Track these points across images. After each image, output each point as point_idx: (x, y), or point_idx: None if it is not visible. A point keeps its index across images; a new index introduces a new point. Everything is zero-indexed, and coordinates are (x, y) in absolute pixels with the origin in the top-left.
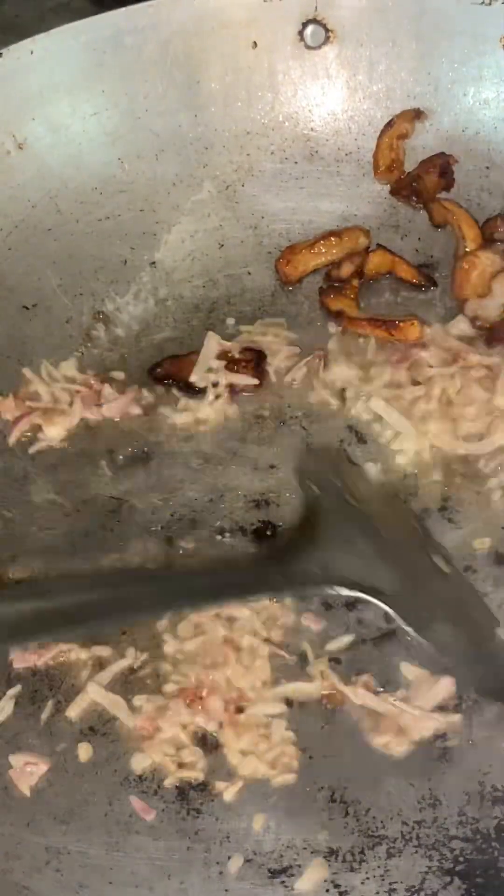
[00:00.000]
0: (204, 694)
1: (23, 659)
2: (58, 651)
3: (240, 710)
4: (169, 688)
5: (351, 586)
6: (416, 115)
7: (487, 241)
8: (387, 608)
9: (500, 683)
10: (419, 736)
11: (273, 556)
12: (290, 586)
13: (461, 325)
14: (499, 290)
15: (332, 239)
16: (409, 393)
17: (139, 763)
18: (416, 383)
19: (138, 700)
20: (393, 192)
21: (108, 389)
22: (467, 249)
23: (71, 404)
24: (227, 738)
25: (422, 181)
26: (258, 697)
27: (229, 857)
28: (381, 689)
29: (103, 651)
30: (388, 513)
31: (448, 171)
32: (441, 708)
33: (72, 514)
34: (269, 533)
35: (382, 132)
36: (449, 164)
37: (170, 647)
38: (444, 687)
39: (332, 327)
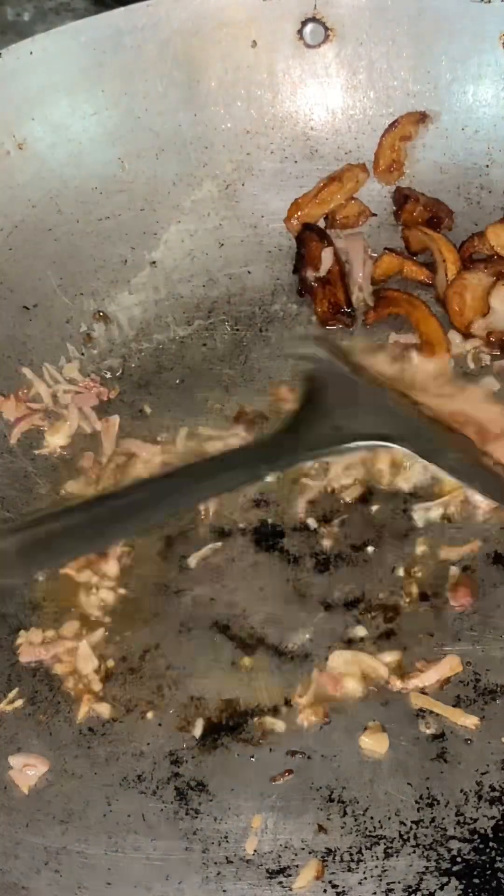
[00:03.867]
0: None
1: (30, 652)
2: (63, 649)
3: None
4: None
5: (365, 438)
6: (422, 118)
7: (466, 262)
8: (404, 449)
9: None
10: None
11: (287, 429)
12: (308, 452)
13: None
14: (498, 303)
15: (334, 184)
16: None
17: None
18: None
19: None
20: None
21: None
22: (448, 275)
23: (70, 407)
24: None
25: (408, 209)
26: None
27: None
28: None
29: (105, 650)
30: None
31: (437, 224)
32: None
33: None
34: (269, 532)
35: (386, 131)
36: (440, 220)
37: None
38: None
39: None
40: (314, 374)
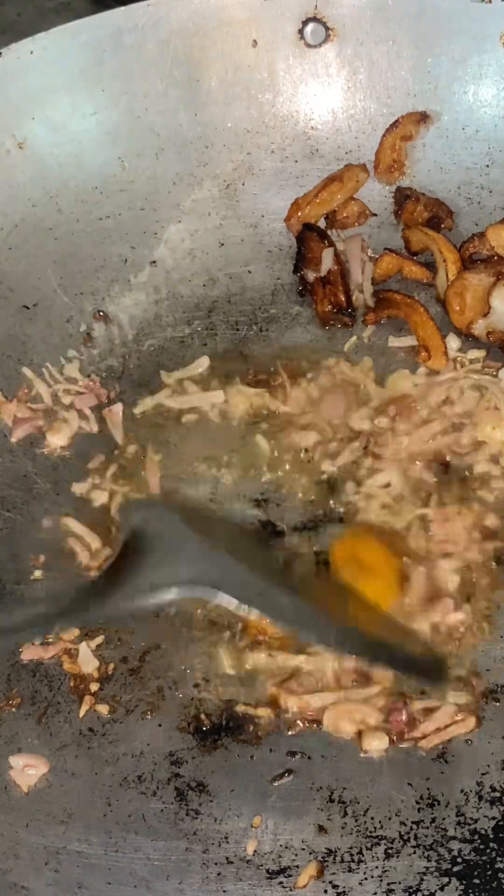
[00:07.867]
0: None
1: (32, 652)
2: (63, 649)
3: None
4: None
5: (185, 584)
6: (423, 118)
7: (466, 262)
8: (228, 597)
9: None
10: None
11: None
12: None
13: (452, 343)
14: (498, 303)
15: (335, 184)
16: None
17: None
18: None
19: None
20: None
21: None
22: (449, 275)
23: (70, 408)
24: None
25: (409, 209)
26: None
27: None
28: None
29: (105, 651)
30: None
31: (437, 224)
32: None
33: (72, 514)
34: (268, 532)
35: (387, 131)
36: (441, 220)
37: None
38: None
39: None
40: (143, 524)
